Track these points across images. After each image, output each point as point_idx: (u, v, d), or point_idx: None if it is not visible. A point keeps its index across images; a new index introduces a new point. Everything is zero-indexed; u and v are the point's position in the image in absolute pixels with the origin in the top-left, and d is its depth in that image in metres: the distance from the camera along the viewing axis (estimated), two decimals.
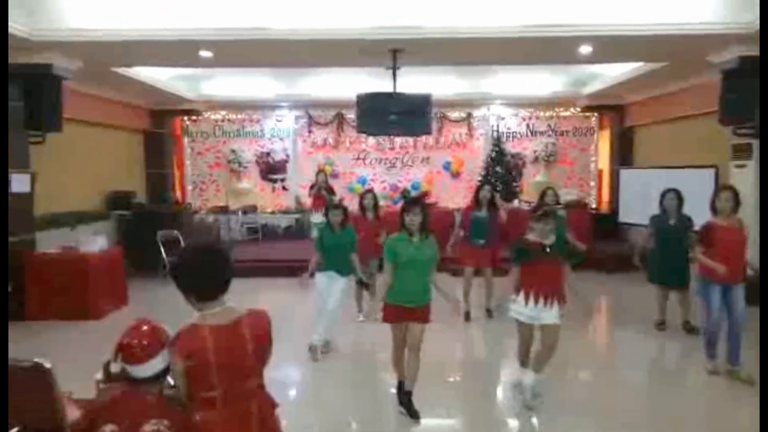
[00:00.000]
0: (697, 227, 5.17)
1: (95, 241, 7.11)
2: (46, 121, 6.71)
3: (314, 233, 10.94)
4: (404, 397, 4.19)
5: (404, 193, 11.37)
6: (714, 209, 4.75)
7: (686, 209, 6.01)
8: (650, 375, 5.33)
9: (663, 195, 6.11)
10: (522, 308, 4.19)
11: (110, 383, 2.25)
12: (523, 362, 4.47)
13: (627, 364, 5.55)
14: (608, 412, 4.29)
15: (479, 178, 11.05)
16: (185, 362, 2.01)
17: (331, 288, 5.44)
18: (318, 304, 5.60)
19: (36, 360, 2.37)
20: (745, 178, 7.10)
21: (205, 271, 2.11)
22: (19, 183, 6.53)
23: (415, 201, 4.20)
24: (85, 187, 8.94)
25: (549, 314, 4.14)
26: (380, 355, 5.54)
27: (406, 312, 4.04)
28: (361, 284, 6.19)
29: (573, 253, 4.37)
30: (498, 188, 10.76)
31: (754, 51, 6.40)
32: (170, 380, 2.18)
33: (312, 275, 5.56)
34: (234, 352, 2.07)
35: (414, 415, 4.09)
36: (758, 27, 5.87)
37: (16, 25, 5.61)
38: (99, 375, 2.37)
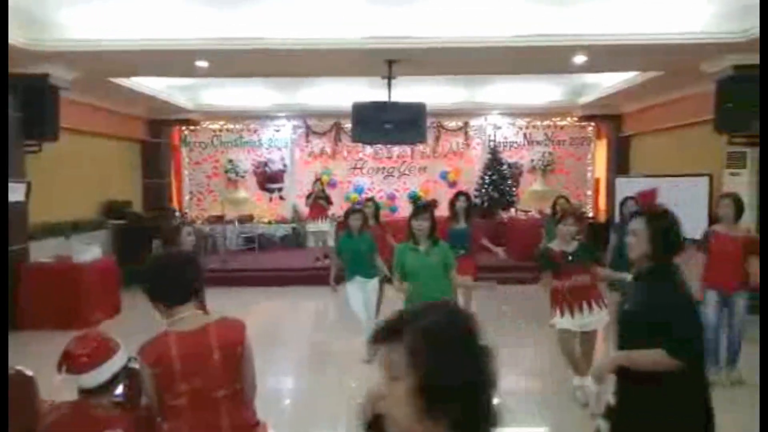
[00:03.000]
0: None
1: (88, 251, 7.10)
2: (42, 130, 6.74)
3: (310, 242, 11.00)
4: None
5: (415, 200, 11.29)
6: (717, 217, 4.79)
7: (680, 217, 5.99)
8: None
9: (622, 203, 6.14)
10: (567, 322, 4.21)
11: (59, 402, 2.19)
12: (576, 371, 4.41)
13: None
14: None
15: (476, 187, 11.09)
16: (151, 369, 2.01)
17: (365, 294, 5.51)
18: (359, 312, 5.57)
19: (18, 368, 2.35)
20: (739, 186, 7.09)
21: (169, 276, 2.13)
22: (14, 192, 6.54)
23: (424, 207, 4.27)
24: (82, 196, 8.94)
25: (594, 319, 4.20)
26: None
27: None
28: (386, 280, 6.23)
29: (595, 254, 4.41)
30: (493, 197, 10.82)
31: (748, 60, 6.43)
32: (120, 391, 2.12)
33: (337, 282, 5.68)
34: (198, 359, 2.04)
35: None
36: (751, 36, 5.90)
37: (12, 36, 5.64)
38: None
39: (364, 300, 5.48)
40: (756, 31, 5.83)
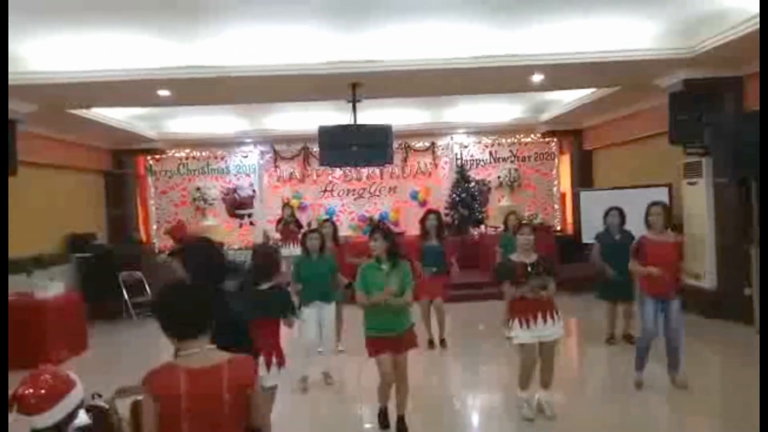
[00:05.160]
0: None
1: (51, 286, 6.90)
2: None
3: (283, 267, 10.86)
4: (392, 422, 4.23)
5: (370, 222, 11.41)
6: (647, 224, 4.97)
7: (642, 227, 6.17)
8: (603, 386, 5.52)
9: (606, 213, 6.39)
10: (521, 332, 4.28)
11: None
12: (524, 385, 4.46)
13: (584, 378, 5.81)
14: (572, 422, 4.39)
15: (446, 206, 11.21)
16: (155, 402, 1.88)
17: (322, 318, 5.40)
18: (309, 336, 5.42)
19: None
20: (696, 195, 7.35)
21: (184, 307, 2.02)
22: None
23: (375, 228, 4.36)
24: (43, 230, 8.69)
25: (552, 330, 4.28)
26: (356, 386, 5.49)
27: (388, 343, 4.05)
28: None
29: (553, 267, 4.48)
30: (461, 215, 10.96)
31: (697, 74, 6.74)
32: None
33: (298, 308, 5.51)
34: (208, 400, 1.91)
35: None
36: (698, 51, 6.18)
37: None
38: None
39: (320, 324, 5.39)
40: (702, 47, 6.12)
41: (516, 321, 4.29)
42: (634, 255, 4.99)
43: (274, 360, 3.69)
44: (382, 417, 4.31)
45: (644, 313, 4.92)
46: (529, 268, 4.25)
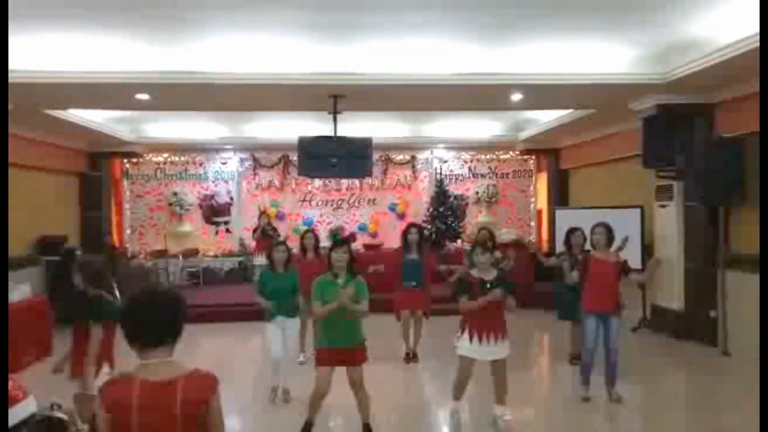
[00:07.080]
0: None
1: (17, 289, 6.74)
2: None
3: (257, 276, 10.74)
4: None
5: (333, 234, 11.24)
6: (591, 243, 5.20)
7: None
8: (567, 402, 5.51)
9: (570, 233, 6.37)
10: (468, 345, 4.40)
11: None
12: (457, 396, 4.64)
13: (549, 397, 5.87)
14: None
15: (424, 219, 11.25)
16: (105, 413, 1.86)
17: (285, 334, 5.30)
18: (273, 353, 5.34)
19: None
20: (667, 217, 7.52)
21: (144, 315, 1.98)
22: None
23: (342, 241, 4.48)
24: (13, 232, 8.48)
25: (498, 349, 4.38)
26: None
27: (336, 354, 4.13)
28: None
29: (511, 286, 4.52)
30: (439, 229, 11.00)
31: (670, 99, 6.92)
32: None
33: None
34: (158, 414, 1.88)
35: None
36: (671, 78, 6.35)
37: None
38: None
39: (283, 341, 5.28)
40: (675, 74, 6.28)
41: (466, 333, 4.40)
42: (580, 265, 5.23)
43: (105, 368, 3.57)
44: (307, 429, 4.26)
45: (585, 331, 5.10)
46: (488, 285, 4.34)
